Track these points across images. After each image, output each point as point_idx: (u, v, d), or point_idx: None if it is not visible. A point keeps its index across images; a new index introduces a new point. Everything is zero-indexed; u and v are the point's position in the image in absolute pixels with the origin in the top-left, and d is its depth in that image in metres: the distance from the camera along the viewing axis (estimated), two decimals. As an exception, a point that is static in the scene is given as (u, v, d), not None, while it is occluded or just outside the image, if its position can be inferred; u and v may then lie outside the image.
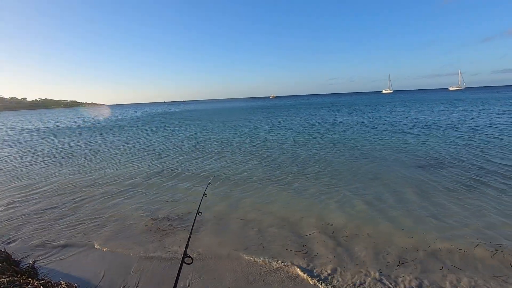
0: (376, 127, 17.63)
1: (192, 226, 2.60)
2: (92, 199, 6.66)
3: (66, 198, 6.78)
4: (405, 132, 14.98)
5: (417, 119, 21.14)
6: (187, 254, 1.99)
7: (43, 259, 4.08)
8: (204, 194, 3.38)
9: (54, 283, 3.22)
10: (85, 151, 13.79)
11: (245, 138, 15.90)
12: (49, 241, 4.64)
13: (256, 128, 20.48)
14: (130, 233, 4.95)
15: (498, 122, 16.80)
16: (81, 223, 5.35)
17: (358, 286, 3.24)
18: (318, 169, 8.51)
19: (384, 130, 16.21)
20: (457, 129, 14.86)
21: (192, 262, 1.95)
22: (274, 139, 14.79)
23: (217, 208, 5.76)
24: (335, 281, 3.35)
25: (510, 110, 24.05)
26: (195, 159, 10.78)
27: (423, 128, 16.15)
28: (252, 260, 3.85)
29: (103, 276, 3.57)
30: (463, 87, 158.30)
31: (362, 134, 15.09)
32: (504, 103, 33.20)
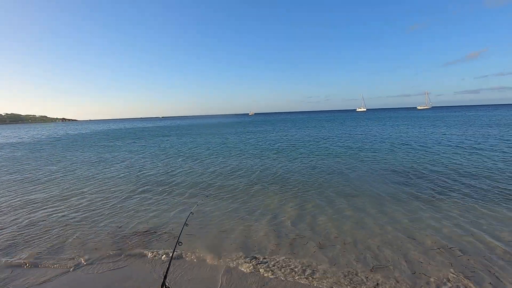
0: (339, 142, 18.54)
1: (171, 257, 2.53)
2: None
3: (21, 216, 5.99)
4: (362, 145, 15.71)
5: (383, 134, 22.21)
6: (166, 284, 1.96)
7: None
8: (185, 223, 3.26)
9: None
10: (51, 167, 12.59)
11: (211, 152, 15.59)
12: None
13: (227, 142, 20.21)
14: (105, 251, 4.78)
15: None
16: (40, 245, 4.90)
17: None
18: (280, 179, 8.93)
19: (341, 146, 16.93)
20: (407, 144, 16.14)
21: None
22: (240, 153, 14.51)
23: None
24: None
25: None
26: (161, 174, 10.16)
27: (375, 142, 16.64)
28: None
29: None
30: (430, 106, 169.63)
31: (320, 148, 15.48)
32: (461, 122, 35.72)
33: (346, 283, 3.64)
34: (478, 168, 10.01)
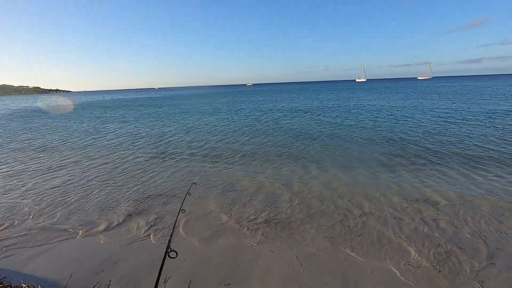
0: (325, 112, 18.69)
1: (175, 222, 2.60)
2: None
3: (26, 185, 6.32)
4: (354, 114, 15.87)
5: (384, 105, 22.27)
6: (170, 248, 1.98)
7: (3, 258, 3.74)
8: (188, 193, 3.32)
9: (14, 286, 2.94)
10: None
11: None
12: (10, 237, 4.28)
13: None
14: (106, 218, 4.82)
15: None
16: (43, 212, 5.02)
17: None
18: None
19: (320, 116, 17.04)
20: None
21: (176, 256, 1.90)
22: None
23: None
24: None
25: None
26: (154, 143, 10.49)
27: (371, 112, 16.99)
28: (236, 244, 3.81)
29: (71, 275, 3.32)
30: (431, 76, 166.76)
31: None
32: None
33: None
34: (447, 136, 10.37)
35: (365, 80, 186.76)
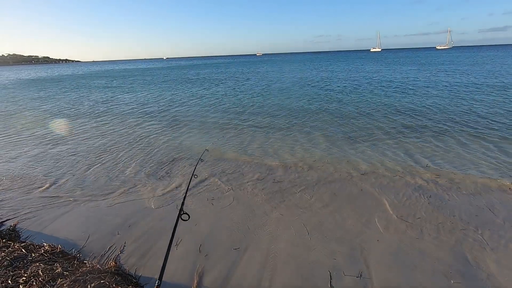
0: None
1: (187, 187, 2.76)
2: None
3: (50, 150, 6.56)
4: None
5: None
6: (183, 211, 2.07)
7: (26, 219, 3.95)
8: (200, 159, 3.53)
9: (36, 245, 3.13)
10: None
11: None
12: (31, 199, 4.50)
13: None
14: (122, 183, 5.01)
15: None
16: (63, 177, 5.22)
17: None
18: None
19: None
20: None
21: (188, 219, 2.01)
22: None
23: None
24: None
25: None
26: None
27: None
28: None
29: (88, 236, 3.50)
30: (451, 46, 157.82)
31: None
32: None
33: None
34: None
35: (380, 50, 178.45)
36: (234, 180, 5.12)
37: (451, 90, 14.18)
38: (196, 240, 3.37)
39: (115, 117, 11.18)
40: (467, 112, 9.41)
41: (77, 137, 8.36)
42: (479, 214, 3.77)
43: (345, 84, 18.66)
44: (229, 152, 6.62)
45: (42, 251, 3.00)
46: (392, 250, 3.11)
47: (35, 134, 8.86)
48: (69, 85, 27.66)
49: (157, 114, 11.43)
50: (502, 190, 4.42)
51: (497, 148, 6.20)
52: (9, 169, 5.90)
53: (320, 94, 14.81)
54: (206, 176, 5.26)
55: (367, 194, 4.45)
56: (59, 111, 12.93)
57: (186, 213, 2.03)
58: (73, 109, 13.35)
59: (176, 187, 4.83)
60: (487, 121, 8.22)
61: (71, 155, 6.73)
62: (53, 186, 5.04)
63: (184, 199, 2.34)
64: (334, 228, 3.55)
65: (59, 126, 9.96)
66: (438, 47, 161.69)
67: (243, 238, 3.41)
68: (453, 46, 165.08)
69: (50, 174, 5.58)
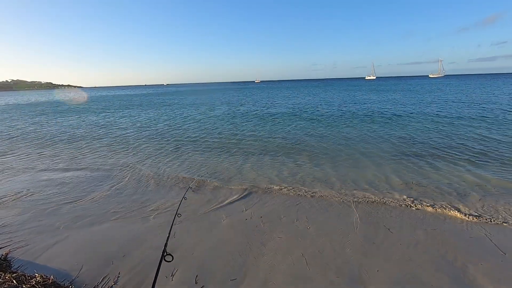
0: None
1: (171, 226, 2.62)
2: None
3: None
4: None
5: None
6: (166, 252, 2.02)
7: (19, 248, 3.85)
8: (184, 197, 3.43)
9: (28, 276, 3.04)
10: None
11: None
12: (24, 226, 4.41)
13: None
14: (115, 211, 4.81)
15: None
16: (57, 204, 5.13)
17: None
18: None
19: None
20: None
21: (172, 260, 1.97)
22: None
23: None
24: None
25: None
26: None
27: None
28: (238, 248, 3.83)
29: (82, 266, 3.41)
30: (443, 74, 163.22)
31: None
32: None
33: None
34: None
35: (374, 78, 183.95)
36: (228, 209, 5.08)
37: (433, 119, 14.57)
38: (192, 271, 3.29)
39: (113, 139, 11.26)
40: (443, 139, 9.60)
41: (72, 160, 8.37)
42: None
43: (333, 112, 19.07)
44: (219, 180, 6.58)
45: (34, 282, 2.91)
46: (393, 279, 3.05)
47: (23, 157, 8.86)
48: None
49: (149, 139, 11.49)
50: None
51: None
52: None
53: (309, 120, 15.09)
54: (198, 205, 5.20)
55: (365, 221, 4.42)
56: (51, 136, 12.98)
57: (170, 254, 1.98)
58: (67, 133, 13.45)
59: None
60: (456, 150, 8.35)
61: (61, 184, 6.67)
62: (46, 213, 4.97)
63: (167, 239, 2.28)
64: (333, 257, 3.49)
65: (47, 150, 9.99)
66: (431, 76, 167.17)
67: (240, 268, 3.33)
68: (445, 75, 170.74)
69: (43, 201, 5.52)
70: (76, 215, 4.87)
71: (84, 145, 10.76)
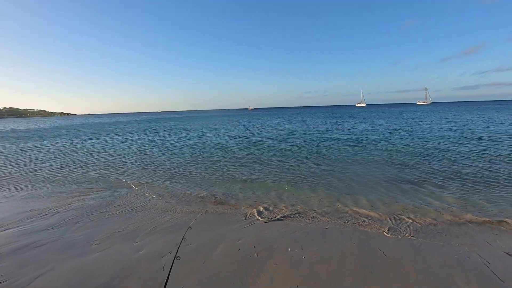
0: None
1: (169, 272, 2.57)
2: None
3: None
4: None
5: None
6: None
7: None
8: (184, 238, 3.30)
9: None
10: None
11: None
12: (3, 263, 4.15)
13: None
14: (106, 237, 4.63)
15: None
16: (41, 233, 4.89)
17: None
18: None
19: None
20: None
21: None
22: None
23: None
24: None
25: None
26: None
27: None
28: None
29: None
30: (430, 102, 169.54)
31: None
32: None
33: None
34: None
35: (364, 105, 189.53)
36: (220, 238, 4.95)
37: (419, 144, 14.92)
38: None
39: (103, 164, 11.07)
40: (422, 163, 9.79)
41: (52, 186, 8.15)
42: (476, 270, 3.67)
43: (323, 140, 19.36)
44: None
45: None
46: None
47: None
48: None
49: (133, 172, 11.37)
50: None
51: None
52: (-13, 226, 5.58)
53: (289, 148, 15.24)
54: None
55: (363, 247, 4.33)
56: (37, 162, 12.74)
57: None
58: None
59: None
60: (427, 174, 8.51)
61: (46, 214, 6.47)
62: (30, 245, 4.74)
63: (168, 276, 2.31)
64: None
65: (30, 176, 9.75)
66: (418, 103, 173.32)
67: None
68: (431, 102, 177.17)
69: (26, 230, 5.29)
70: (62, 245, 4.66)
71: (67, 172, 10.55)
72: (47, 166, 12.06)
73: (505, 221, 5.17)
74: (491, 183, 7.52)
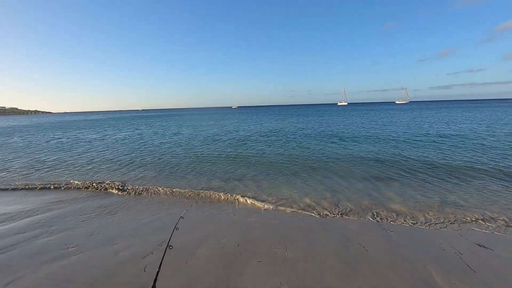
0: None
1: (162, 260, 2.42)
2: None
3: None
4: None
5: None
6: None
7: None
8: (176, 228, 3.15)
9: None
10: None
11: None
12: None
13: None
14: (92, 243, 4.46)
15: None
16: (13, 240, 4.63)
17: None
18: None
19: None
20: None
21: None
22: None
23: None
24: None
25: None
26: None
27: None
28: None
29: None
30: (408, 101, 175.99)
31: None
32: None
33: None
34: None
35: (346, 104, 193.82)
36: (203, 236, 4.89)
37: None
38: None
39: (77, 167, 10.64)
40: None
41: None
42: (450, 262, 3.83)
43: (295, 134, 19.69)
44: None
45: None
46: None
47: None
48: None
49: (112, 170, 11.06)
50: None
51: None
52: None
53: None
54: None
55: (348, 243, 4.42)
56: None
57: None
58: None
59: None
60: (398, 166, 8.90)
61: (11, 218, 6.16)
62: (0, 246, 4.48)
63: (157, 275, 2.13)
64: (312, 285, 3.41)
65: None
66: (397, 102, 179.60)
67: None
68: (409, 101, 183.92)
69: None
70: (35, 249, 4.44)
71: (36, 172, 10.08)
72: (13, 167, 11.45)
73: (476, 215, 5.46)
74: (459, 179, 7.91)
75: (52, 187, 8.26)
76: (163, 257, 2.49)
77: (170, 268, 3.81)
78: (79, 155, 14.25)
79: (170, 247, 2.68)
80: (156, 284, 1.92)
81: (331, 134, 19.77)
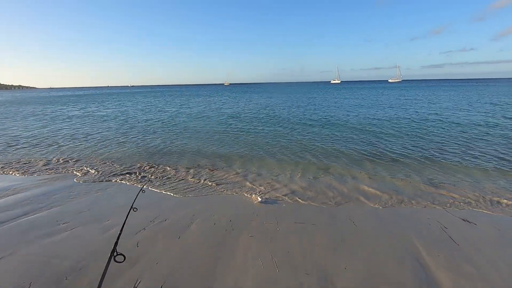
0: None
1: (124, 221, 2.33)
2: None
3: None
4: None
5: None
6: (117, 252, 1.74)
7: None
8: (142, 190, 3.15)
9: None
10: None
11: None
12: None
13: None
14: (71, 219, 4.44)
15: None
16: None
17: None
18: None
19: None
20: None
21: (124, 260, 1.69)
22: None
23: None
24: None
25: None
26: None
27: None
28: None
29: (30, 284, 3.05)
30: (400, 79, 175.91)
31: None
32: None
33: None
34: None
35: (339, 82, 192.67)
36: (197, 212, 4.93)
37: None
38: (157, 280, 3.10)
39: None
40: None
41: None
42: (435, 235, 3.98)
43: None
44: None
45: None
46: (360, 276, 3.13)
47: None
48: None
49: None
50: (453, 211, 4.75)
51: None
52: None
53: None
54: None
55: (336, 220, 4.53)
56: None
57: (122, 254, 1.71)
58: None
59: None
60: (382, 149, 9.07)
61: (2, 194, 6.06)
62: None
63: (118, 237, 2.00)
64: (302, 258, 3.50)
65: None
66: (390, 80, 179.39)
67: (209, 275, 3.21)
68: (402, 80, 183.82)
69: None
70: (25, 226, 4.40)
71: (18, 150, 9.86)
72: None
73: (463, 190, 5.63)
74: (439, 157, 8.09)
75: (40, 163, 8.11)
76: (126, 218, 2.42)
77: (162, 244, 3.85)
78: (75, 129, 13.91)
79: (135, 209, 2.66)
80: (116, 248, 1.80)
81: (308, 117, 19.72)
